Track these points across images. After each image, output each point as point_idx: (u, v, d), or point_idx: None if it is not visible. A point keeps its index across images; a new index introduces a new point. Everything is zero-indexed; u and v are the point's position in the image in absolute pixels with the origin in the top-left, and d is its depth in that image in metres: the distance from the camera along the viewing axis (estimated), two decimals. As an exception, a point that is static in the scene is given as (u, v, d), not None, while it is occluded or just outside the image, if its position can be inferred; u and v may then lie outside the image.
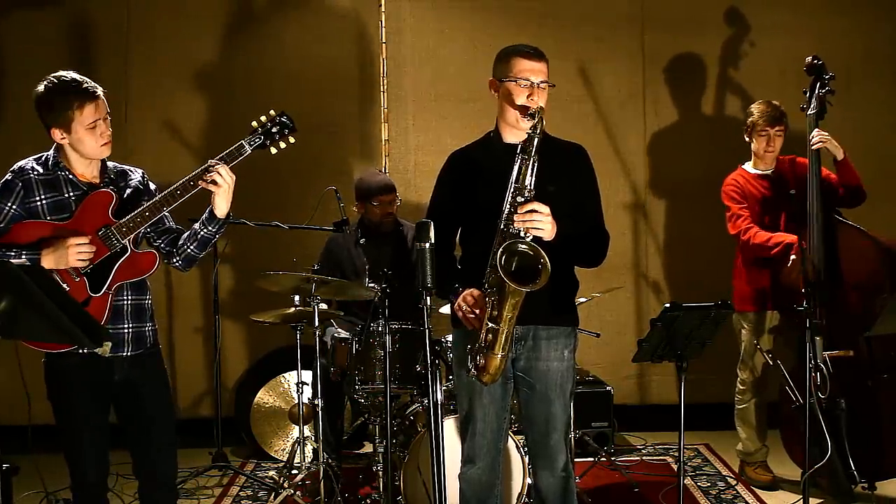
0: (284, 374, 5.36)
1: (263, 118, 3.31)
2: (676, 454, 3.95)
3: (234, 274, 5.78)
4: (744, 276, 4.64)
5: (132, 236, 3.15)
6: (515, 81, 3.20)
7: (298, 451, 4.56)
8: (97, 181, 3.21)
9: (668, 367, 5.68)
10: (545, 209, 3.06)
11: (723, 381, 5.10)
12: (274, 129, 3.30)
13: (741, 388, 4.76)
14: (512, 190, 3.09)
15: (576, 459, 4.80)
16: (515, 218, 3.04)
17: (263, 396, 5.35)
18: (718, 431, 5.44)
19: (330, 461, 4.51)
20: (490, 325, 3.06)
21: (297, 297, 4.46)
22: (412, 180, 5.82)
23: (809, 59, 4.47)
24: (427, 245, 2.81)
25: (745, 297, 4.64)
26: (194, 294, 5.77)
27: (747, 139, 4.66)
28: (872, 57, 5.81)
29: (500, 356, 3.08)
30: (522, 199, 3.06)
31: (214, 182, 3.18)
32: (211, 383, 5.54)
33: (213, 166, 3.18)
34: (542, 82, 3.22)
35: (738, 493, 4.68)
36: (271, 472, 5.07)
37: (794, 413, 4.22)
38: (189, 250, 3.30)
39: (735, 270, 4.70)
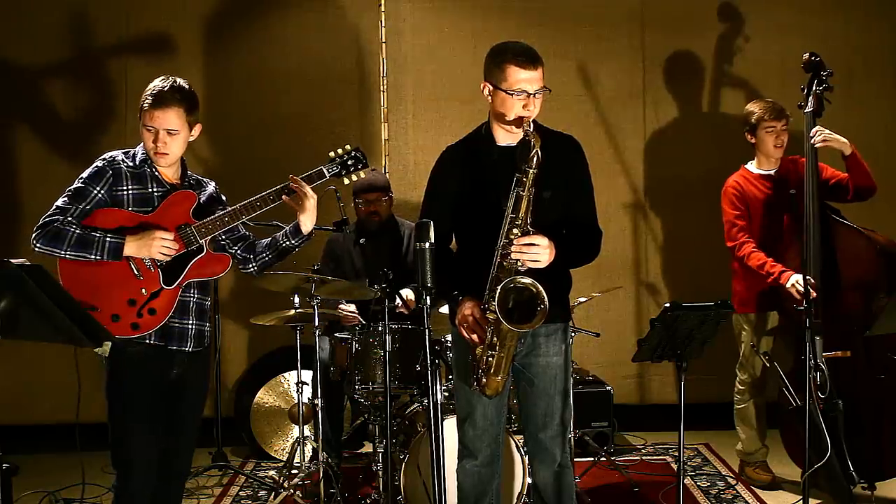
0: (284, 374, 5.36)
1: (340, 150, 3.48)
2: (676, 454, 3.95)
3: (234, 274, 5.76)
4: (742, 278, 4.64)
5: (209, 238, 3.28)
6: (511, 94, 3.12)
7: (298, 451, 4.56)
8: (178, 182, 3.34)
9: (668, 367, 5.68)
10: (544, 241, 3.05)
11: (723, 381, 5.09)
12: (350, 162, 3.47)
13: (740, 388, 4.76)
14: (508, 221, 3.07)
15: (576, 459, 4.79)
16: (513, 249, 3.04)
17: (263, 396, 5.35)
18: (718, 431, 5.44)
19: (330, 461, 4.51)
20: (490, 351, 3.10)
21: (296, 298, 4.46)
22: (412, 180, 5.82)
23: (807, 55, 4.45)
24: (427, 245, 2.81)
25: (745, 299, 4.63)
26: (194, 294, 5.77)
27: (750, 139, 4.63)
28: (874, 55, 5.81)
29: (500, 378, 3.13)
30: (519, 232, 3.05)
31: (300, 199, 3.32)
32: (211, 383, 5.53)
33: (294, 184, 3.32)
34: (537, 91, 3.13)
35: (738, 492, 4.68)
36: (271, 472, 5.07)
37: (792, 414, 4.22)
38: (267, 258, 3.45)
39: (734, 273, 4.69)
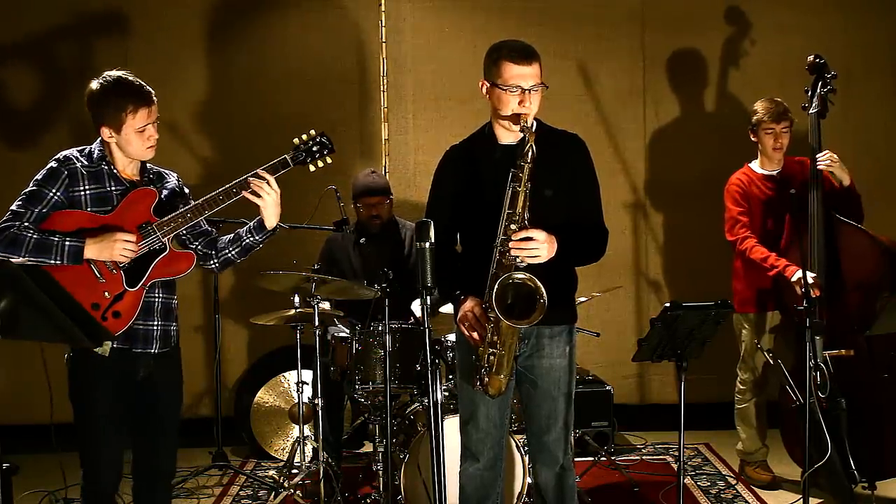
0: (284, 374, 5.36)
1: (304, 136, 3.38)
2: (676, 454, 3.95)
3: (234, 273, 5.77)
4: (743, 277, 4.64)
5: (171, 235, 3.20)
6: (506, 90, 3.13)
7: (298, 451, 4.56)
8: (138, 179, 3.26)
9: (668, 367, 5.68)
10: (541, 235, 3.04)
11: (723, 381, 5.10)
12: (315, 148, 3.38)
13: (741, 387, 4.76)
14: (505, 217, 3.06)
15: (576, 459, 4.78)
16: (511, 245, 3.03)
17: (263, 396, 5.35)
18: (718, 431, 5.43)
19: (330, 461, 4.51)
20: (491, 350, 3.09)
21: (296, 297, 4.46)
22: (412, 180, 5.82)
23: (811, 57, 4.46)
24: (427, 245, 2.81)
25: (746, 299, 4.63)
26: (194, 293, 5.77)
27: (753, 138, 4.63)
28: (873, 55, 5.81)
29: (503, 377, 3.12)
30: (516, 227, 3.04)
31: (258, 194, 3.22)
32: (211, 383, 5.53)
33: (257, 176, 3.23)
34: (533, 87, 3.13)
35: (738, 492, 4.68)
36: (271, 472, 5.07)
37: (794, 412, 4.22)
38: (230, 255, 3.35)
39: (734, 272, 4.69)
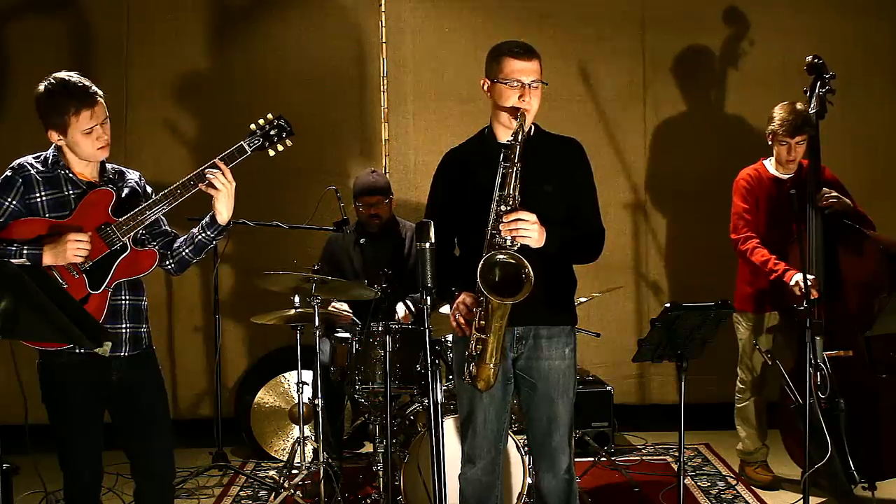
0: (284, 374, 5.36)
1: (261, 121, 3.32)
2: (676, 454, 3.95)
3: (234, 274, 5.77)
4: (744, 276, 4.64)
5: (132, 234, 3.15)
6: (506, 83, 3.17)
7: (298, 451, 4.56)
8: (96, 181, 3.21)
9: (668, 367, 5.68)
10: (531, 216, 3.05)
11: (723, 381, 5.10)
12: (272, 132, 3.31)
13: (741, 386, 4.76)
14: (496, 199, 3.08)
15: (576, 459, 4.77)
16: (501, 227, 3.04)
17: (263, 396, 5.36)
18: (718, 431, 5.44)
19: (330, 461, 4.51)
20: (478, 335, 3.07)
21: (296, 298, 4.46)
22: (412, 180, 5.82)
23: (810, 58, 4.45)
24: (427, 245, 2.81)
25: (745, 298, 4.63)
26: (194, 294, 5.77)
27: (769, 141, 4.58)
28: (873, 55, 5.81)
29: (491, 366, 3.09)
30: (507, 209, 3.05)
31: (213, 186, 3.16)
32: (211, 383, 5.54)
33: (213, 168, 3.17)
34: (533, 82, 3.18)
35: (738, 492, 4.68)
36: (271, 472, 5.07)
37: (793, 412, 4.23)
38: (184, 254, 3.29)
39: (739, 271, 4.69)
